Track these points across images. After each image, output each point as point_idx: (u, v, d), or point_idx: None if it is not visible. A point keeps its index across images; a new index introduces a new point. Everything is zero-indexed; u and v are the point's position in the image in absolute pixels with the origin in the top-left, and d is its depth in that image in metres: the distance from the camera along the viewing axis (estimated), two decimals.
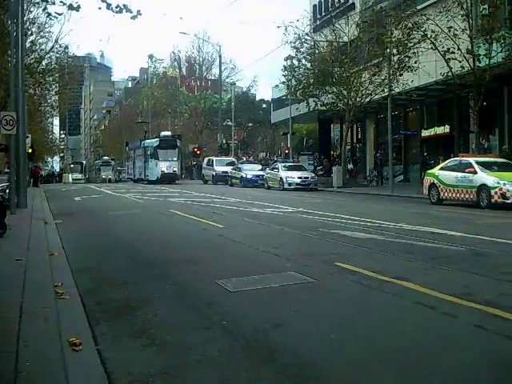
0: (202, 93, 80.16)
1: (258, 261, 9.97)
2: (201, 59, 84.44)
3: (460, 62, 27.91)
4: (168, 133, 57.76)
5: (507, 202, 20.39)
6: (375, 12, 35.65)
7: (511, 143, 32.64)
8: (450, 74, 28.92)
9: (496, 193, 20.64)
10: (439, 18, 28.72)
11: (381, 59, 35.60)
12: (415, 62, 32.37)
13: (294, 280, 8.08)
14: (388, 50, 32.99)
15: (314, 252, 10.57)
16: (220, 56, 68.94)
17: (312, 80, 42.06)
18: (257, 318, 6.25)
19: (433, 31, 28.56)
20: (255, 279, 8.12)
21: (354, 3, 45.51)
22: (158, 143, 53.04)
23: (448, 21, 28.17)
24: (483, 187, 21.20)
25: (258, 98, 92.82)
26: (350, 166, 47.05)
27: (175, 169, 52.28)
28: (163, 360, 5.03)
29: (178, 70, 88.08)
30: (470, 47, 27.69)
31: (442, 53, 28.33)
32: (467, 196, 22.01)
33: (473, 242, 11.66)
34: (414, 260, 9.62)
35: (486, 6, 28.12)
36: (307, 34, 43.85)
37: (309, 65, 43.72)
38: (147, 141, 57.72)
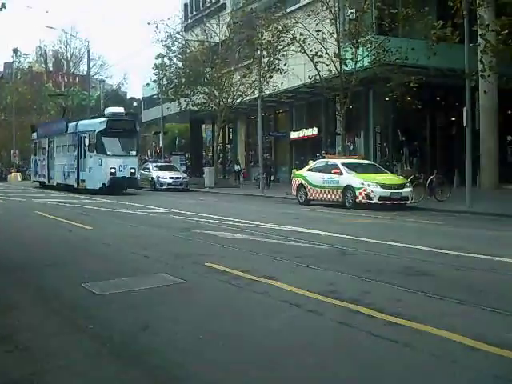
0: (70, 89, 78.00)
1: (126, 263, 9.80)
2: (68, 55, 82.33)
3: (327, 65, 28.70)
4: (119, 109, 35.74)
5: (371, 202, 21.19)
6: (246, 13, 36.09)
7: (376, 145, 34.03)
8: (317, 77, 29.68)
9: (361, 193, 21.40)
10: (308, 21, 29.42)
11: (251, 61, 36.09)
12: (285, 65, 33.04)
13: (163, 282, 8.00)
14: (258, 52, 33.45)
15: (184, 253, 10.51)
16: (88, 52, 67.20)
17: (183, 79, 42.03)
18: (124, 321, 6.14)
19: (302, 34, 29.21)
20: (123, 282, 7.97)
21: (225, 3, 45.98)
22: (104, 126, 32.39)
23: (316, 24, 28.89)
24: (349, 188, 21.92)
25: (128, 96, 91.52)
26: (238, 167, 46.80)
27: (133, 169, 32.90)
28: (26, 366, 4.85)
29: (44, 65, 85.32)
30: (337, 51, 28.54)
31: (311, 56, 29.03)
32: (333, 196, 22.68)
33: (338, 241, 12.02)
34: (281, 259, 9.78)
35: (353, 11, 29.06)
36: (178, 33, 43.77)
37: (180, 64, 43.63)
38: (83, 122, 35.87)
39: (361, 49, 28.35)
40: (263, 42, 32.06)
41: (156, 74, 44.23)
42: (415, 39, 27.32)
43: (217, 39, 41.77)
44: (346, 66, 28.72)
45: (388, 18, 27.32)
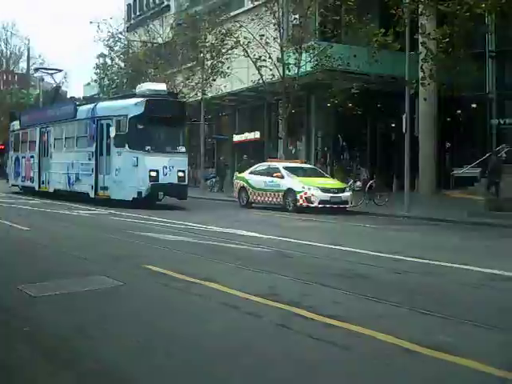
0: (8, 87, 76.37)
1: (64, 264, 9.61)
2: (8, 52, 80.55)
3: (271, 69, 28.82)
4: (160, 85, 25.71)
5: (311, 205, 21.34)
6: (189, 15, 35.91)
7: (317, 149, 34.35)
8: (260, 81, 29.77)
9: (301, 197, 21.53)
10: (252, 25, 29.53)
11: (194, 63, 35.93)
12: (228, 68, 33.00)
13: (101, 284, 7.86)
14: (202, 55, 33.36)
15: (123, 255, 10.38)
16: (28, 50, 66.19)
17: (125, 80, 41.57)
18: (60, 324, 6.02)
19: (245, 38, 29.30)
20: (60, 284, 7.81)
21: (169, 5, 45.72)
22: (141, 109, 22.60)
23: (260, 29, 28.99)
24: (290, 191, 22.03)
25: (69, 95, 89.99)
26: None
27: (182, 173, 23.16)
28: None
29: None
30: (280, 56, 28.70)
31: (254, 60, 29.11)
32: (275, 200, 22.76)
33: (279, 244, 12.07)
34: (221, 261, 9.75)
35: (297, 16, 29.31)
36: (121, 33, 43.33)
37: (122, 64, 43.16)
38: (106, 103, 26.09)
39: (304, 54, 28.55)
40: (207, 44, 32.01)
41: (97, 74, 43.65)
42: (357, 46, 27.65)
43: (160, 40, 41.47)
44: (289, 70, 28.86)
45: (331, 25, 27.62)
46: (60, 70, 54.70)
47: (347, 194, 22.06)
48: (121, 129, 22.70)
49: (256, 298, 6.95)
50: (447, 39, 20.24)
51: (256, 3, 30.96)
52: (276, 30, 29.04)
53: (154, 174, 22.10)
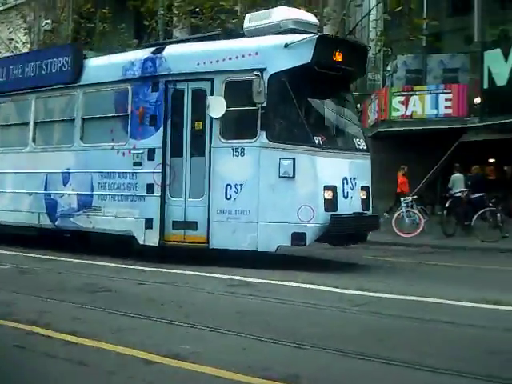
0: None
1: None
2: None
3: None
4: (309, 15, 12.49)
5: None
6: None
7: None
8: None
9: None
10: (1, 29, 28.24)
11: None
12: None
13: None
14: None
15: None
16: None
17: None
18: None
19: None
20: None
21: None
22: (308, 57, 10.66)
23: (10, 33, 27.89)
24: None
25: None
26: None
27: (365, 191, 11.45)
28: None
29: None
30: None
31: None
32: None
33: (21, 260, 11.58)
34: None
35: (49, 21, 28.58)
36: None
37: None
38: (185, 48, 12.34)
39: None
40: None
41: None
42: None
43: None
44: None
45: (84, 32, 27.22)
46: None
47: None
48: (245, 99, 10.98)
49: None
50: None
51: (6, 6, 29.72)
52: (26, 34, 28.06)
53: (329, 194, 10.81)
